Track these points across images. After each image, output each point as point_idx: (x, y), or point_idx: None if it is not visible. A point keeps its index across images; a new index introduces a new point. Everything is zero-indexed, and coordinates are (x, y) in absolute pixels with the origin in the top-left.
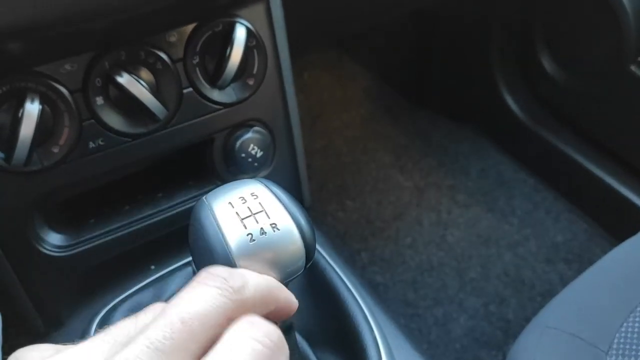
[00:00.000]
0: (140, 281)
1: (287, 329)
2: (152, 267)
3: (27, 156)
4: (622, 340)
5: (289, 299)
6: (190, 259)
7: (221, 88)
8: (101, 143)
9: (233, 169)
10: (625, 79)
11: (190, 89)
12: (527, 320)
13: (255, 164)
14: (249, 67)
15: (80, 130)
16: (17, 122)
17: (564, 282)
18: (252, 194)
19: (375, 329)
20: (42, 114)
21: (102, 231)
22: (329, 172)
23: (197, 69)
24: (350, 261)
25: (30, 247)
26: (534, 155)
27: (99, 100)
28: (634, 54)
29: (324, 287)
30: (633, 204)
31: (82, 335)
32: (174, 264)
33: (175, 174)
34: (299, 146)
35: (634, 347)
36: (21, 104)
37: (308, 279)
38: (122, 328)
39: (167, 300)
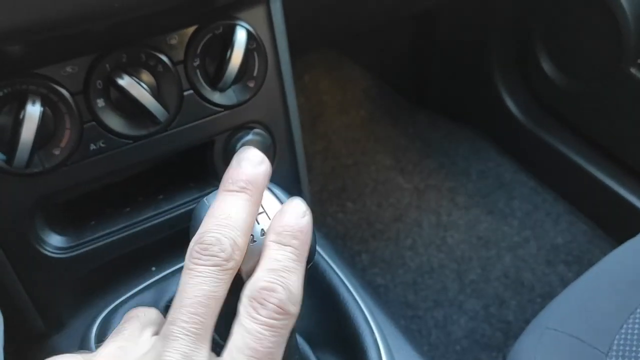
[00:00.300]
0: (141, 283)
1: None
2: (153, 268)
3: (28, 158)
4: (622, 342)
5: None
6: None
7: (222, 90)
8: (102, 145)
9: None
10: (625, 81)
11: (191, 91)
12: (527, 322)
13: None
14: (250, 69)
15: (81, 133)
16: (18, 124)
17: (564, 284)
18: None
19: (375, 331)
20: (43, 116)
21: (103, 233)
22: (329, 173)
23: (198, 71)
24: (351, 263)
25: (31, 248)
26: (534, 156)
27: (100, 102)
28: (634, 56)
29: (325, 288)
30: (633, 206)
31: (83, 336)
32: (175, 265)
33: (176, 176)
34: (299, 148)
35: (633, 348)
36: (22, 106)
37: (308, 281)
38: (130, 330)
39: (168, 301)
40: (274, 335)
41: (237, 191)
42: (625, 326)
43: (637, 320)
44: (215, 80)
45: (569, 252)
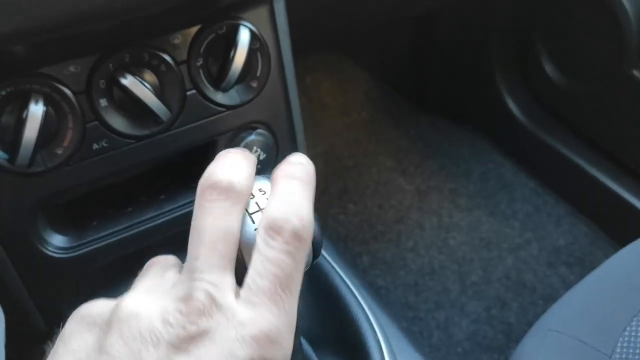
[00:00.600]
0: None
1: None
2: None
3: (30, 157)
4: (625, 345)
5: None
6: None
7: (225, 90)
8: (105, 145)
9: None
10: (626, 81)
11: (194, 91)
12: (529, 324)
13: (259, 166)
14: (253, 69)
15: (84, 132)
16: (21, 123)
17: (566, 286)
18: (260, 190)
19: (378, 332)
20: (46, 116)
21: (105, 233)
22: (331, 175)
23: (201, 71)
24: (352, 264)
25: (33, 248)
26: (535, 158)
27: (103, 102)
28: (635, 57)
29: (327, 289)
30: (634, 207)
31: None
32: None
33: (178, 176)
34: (302, 148)
35: (637, 350)
36: (25, 106)
37: (310, 282)
38: (154, 272)
39: None
40: (293, 261)
41: (234, 152)
42: (628, 328)
43: None
44: (218, 80)
45: (570, 254)
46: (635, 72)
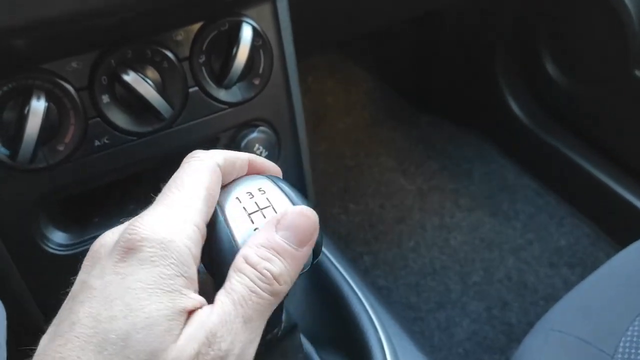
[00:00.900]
0: None
1: (291, 330)
2: None
3: (32, 154)
4: (627, 344)
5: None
6: None
7: (227, 87)
8: (106, 141)
9: None
10: (630, 83)
11: (196, 88)
12: (530, 324)
13: None
14: (255, 66)
15: (85, 128)
16: (23, 119)
17: (567, 287)
18: (259, 189)
19: (379, 330)
20: (48, 112)
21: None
22: (332, 175)
23: (203, 68)
24: (353, 264)
25: (34, 245)
26: (537, 159)
27: (105, 98)
28: (639, 59)
29: (328, 288)
30: (636, 209)
31: None
32: None
33: None
34: (304, 146)
35: None
36: (27, 101)
37: (312, 280)
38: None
39: None
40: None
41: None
42: (631, 328)
43: None
44: (221, 77)
45: (572, 255)
46: (638, 74)
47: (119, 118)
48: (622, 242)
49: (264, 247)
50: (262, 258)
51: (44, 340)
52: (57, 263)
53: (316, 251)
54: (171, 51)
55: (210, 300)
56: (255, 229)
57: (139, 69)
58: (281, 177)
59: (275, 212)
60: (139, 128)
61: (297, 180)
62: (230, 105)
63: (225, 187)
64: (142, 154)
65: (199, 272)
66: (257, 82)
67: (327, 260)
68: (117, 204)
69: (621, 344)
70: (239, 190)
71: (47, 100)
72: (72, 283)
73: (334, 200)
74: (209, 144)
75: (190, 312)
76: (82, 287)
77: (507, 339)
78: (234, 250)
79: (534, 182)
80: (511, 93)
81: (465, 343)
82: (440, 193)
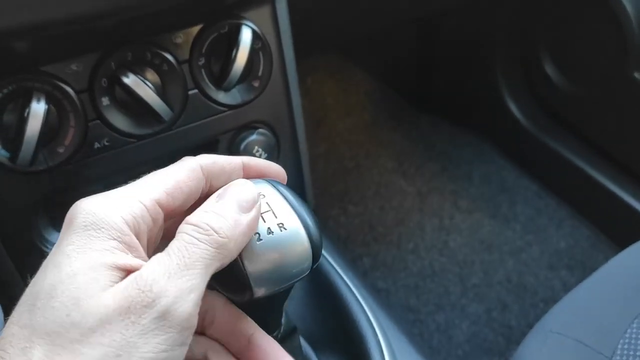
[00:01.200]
0: None
1: (290, 332)
2: None
3: (32, 156)
4: (626, 347)
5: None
6: None
7: (226, 90)
8: (106, 143)
9: None
10: (629, 86)
11: (196, 91)
12: (530, 326)
13: None
14: (255, 69)
15: (85, 131)
16: (23, 121)
17: (567, 289)
18: (259, 194)
19: (378, 332)
20: (48, 114)
21: None
22: (332, 176)
23: (203, 70)
24: (352, 266)
25: (33, 246)
26: (537, 161)
27: (105, 100)
28: (638, 61)
29: (327, 290)
30: (636, 211)
31: None
32: None
33: None
34: (303, 148)
35: (638, 352)
36: (27, 104)
37: (311, 282)
38: None
39: None
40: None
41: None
42: (629, 330)
43: None
44: (220, 79)
45: (571, 257)
46: (637, 76)
47: (118, 120)
48: (622, 244)
49: (204, 212)
50: (201, 220)
51: None
52: None
53: (315, 255)
54: (171, 53)
55: None
56: (255, 233)
57: (138, 72)
58: (285, 177)
59: (275, 216)
60: (139, 130)
61: (296, 182)
62: (230, 107)
63: None
64: (142, 156)
65: None
66: (256, 84)
67: (326, 262)
68: None
69: (619, 346)
70: None
71: (47, 102)
72: None
73: (334, 201)
74: (209, 146)
75: (129, 272)
76: None
77: (506, 341)
78: None
79: (534, 184)
80: (511, 94)
81: (464, 345)
82: (440, 195)
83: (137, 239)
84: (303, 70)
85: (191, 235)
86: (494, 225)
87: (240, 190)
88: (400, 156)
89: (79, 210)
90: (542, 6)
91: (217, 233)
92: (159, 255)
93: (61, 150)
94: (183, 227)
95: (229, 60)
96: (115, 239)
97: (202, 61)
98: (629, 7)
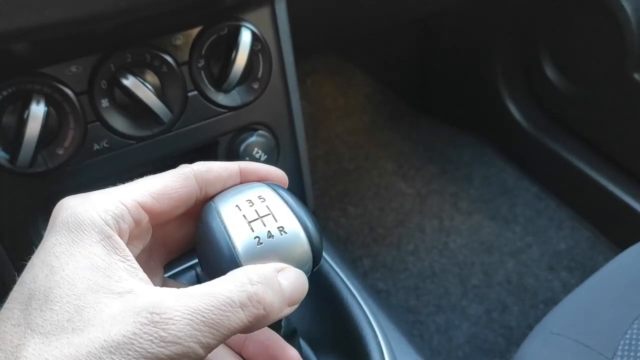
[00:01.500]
0: None
1: (290, 334)
2: None
3: (32, 158)
4: (626, 347)
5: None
6: (195, 261)
7: (226, 91)
8: (106, 145)
9: None
10: (629, 87)
11: (195, 92)
12: (530, 327)
13: None
14: (254, 70)
15: (85, 132)
16: (22, 123)
17: (567, 290)
18: (259, 197)
19: (379, 334)
20: (47, 116)
21: None
22: (331, 178)
23: (202, 72)
24: (353, 267)
25: (33, 249)
26: (537, 162)
27: (105, 102)
28: (637, 62)
29: (328, 291)
30: (636, 212)
31: None
32: (179, 266)
33: None
34: (303, 150)
35: (638, 354)
36: (27, 106)
37: (311, 284)
38: None
39: None
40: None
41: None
42: (629, 331)
43: None
44: (220, 81)
45: (571, 258)
46: (637, 77)
47: (118, 122)
48: (622, 245)
49: (266, 276)
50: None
51: None
52: None
53: (316, 258)
54: (170, 55)
55: None
56: (255, 237)
57: (138, 73)
58: (286, 180)
59: (275, 220)
60: (138, 132)
61: (296, 183)
62: (229, 109)
63: (225, 194)
64: (142, 158)
65: (197, 276)
66: (256, 86)
67: (327, 263)
68: None
69: (620, 347)
70: (239, 198)
71: (47, 104)
72: None
73: (334, 203)
74: (208, 148)
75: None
76: None
77: (506, 342)
78: (233, 257)
79: (534, 186)
80: (511, 96)
81: (464, 346)
82: (440, 196)
83: (120, 237)
84: (303, 71)
85: (241, 289)
86: (494, 227)
87: (301, 283)
88: (400, 158)
89: (61, 208)
90: (542, 7)
91: (264, 309)
92: (183, 290)
93: (61, 152)
94: (243, 278)
95: (229, 62)
96: (99, 242)
97: (201, 63)
98: (628, 8)
